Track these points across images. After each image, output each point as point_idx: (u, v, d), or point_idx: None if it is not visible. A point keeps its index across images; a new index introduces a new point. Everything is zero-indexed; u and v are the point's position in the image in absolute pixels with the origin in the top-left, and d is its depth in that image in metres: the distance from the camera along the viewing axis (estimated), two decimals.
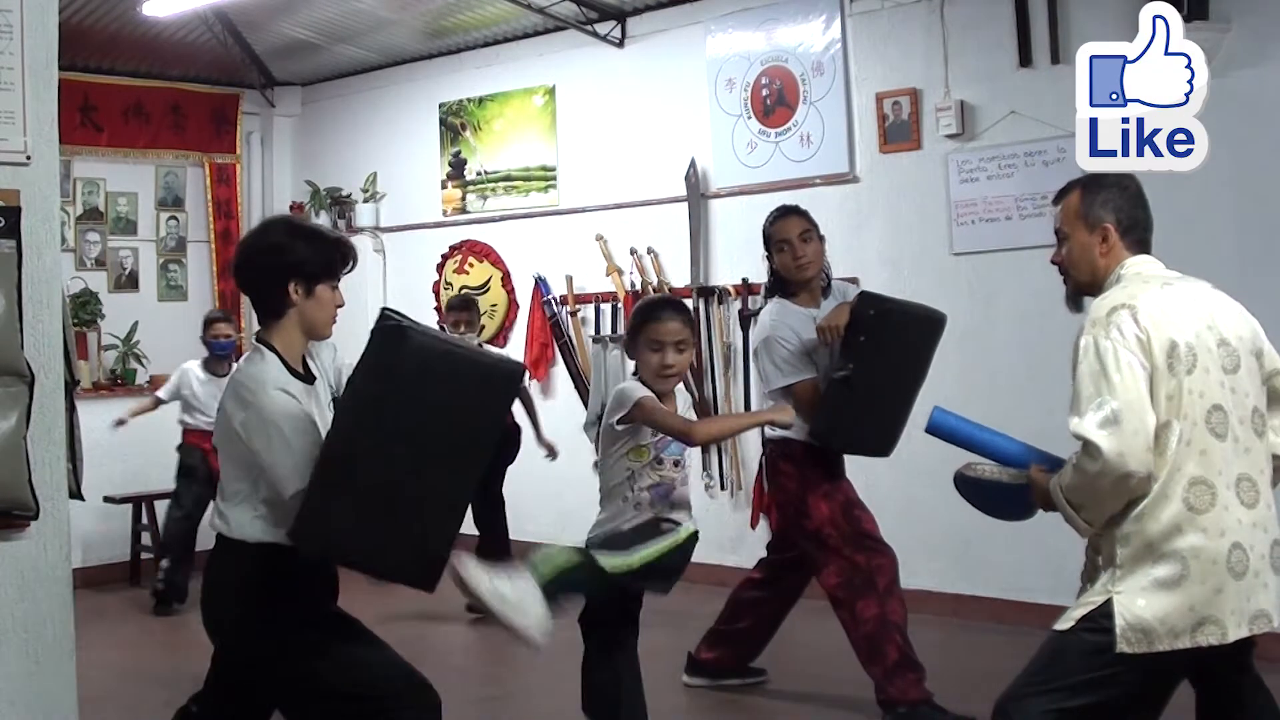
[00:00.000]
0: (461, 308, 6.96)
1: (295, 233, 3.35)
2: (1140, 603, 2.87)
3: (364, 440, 2.97)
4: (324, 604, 3.30)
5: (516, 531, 8.06)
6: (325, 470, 3.02)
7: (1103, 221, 3.11)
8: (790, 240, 4.86)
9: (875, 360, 4.60)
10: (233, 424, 3.19)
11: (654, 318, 3.93)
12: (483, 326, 7.85)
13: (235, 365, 7.18)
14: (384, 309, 3.16)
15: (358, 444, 2.98)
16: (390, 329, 3.03)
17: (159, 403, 7.42)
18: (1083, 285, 3.18)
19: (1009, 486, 3.19)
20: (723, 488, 7.44)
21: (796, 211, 4.97)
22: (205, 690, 3.51)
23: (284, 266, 3.25)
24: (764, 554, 5.38)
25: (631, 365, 4.09)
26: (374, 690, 3.18)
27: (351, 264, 3.39)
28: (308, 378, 3.31)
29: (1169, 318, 2.95)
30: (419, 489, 3.00)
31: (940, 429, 3.38)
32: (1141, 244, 3.13)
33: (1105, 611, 2.90)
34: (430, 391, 2.98)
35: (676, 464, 3.91)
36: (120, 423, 7.29)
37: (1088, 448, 2.85)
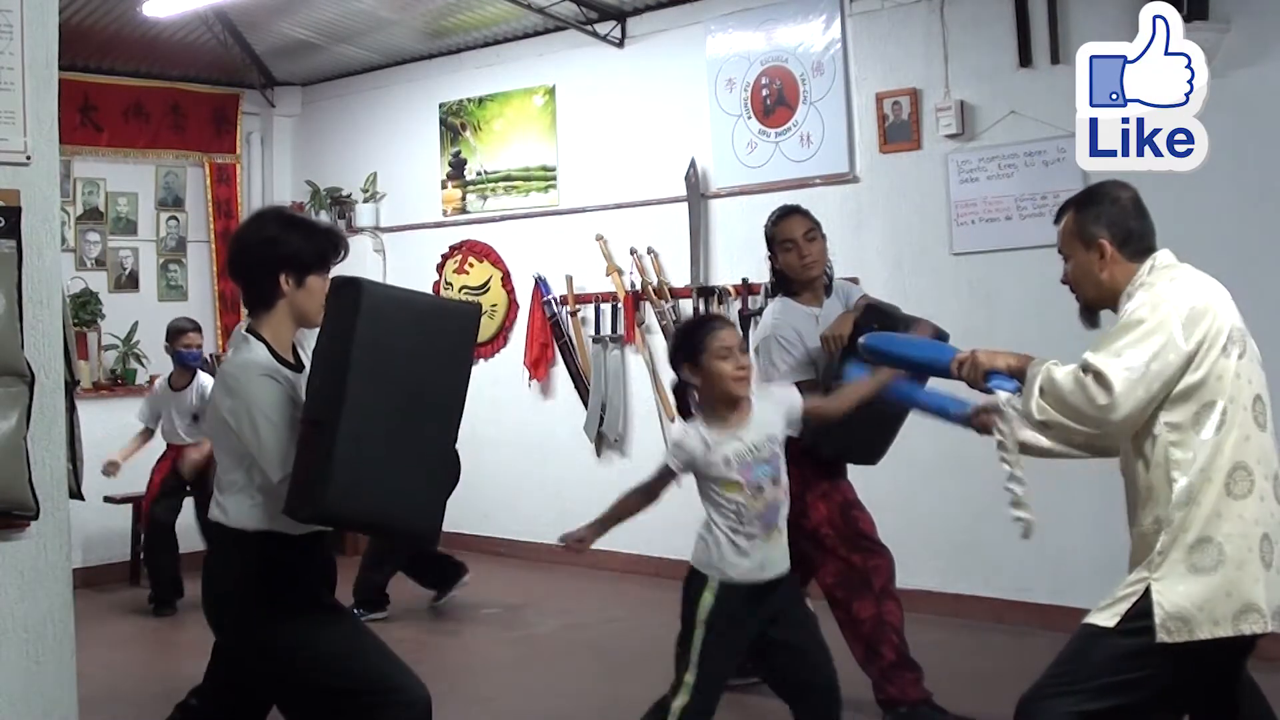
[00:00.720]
0: None
1: (288, 224, 3.37)
2: (1180, 589, 2.86)
3: (337, 398, 2.95)
4: (320, 593, 3.31)
5: (516, 532, 8.09)
6: (306, 435, 3.02)
7: (1098, 238, 3.12)
8: (795, 240, 4.87)
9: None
10: (221, 413, 3.21)
11: (712, 328, 3.81)
12: None
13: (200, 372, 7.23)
14: (334, 278, 3.19)
15: (332, 403, 2.95)
16: (344, 283, 3.06)
17: (150, 433, 7.36)
18: (1092, 301, 3.19)
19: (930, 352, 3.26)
20: None
21: (799, 211, 4.98)
22: (205, 683, 3.52)
23: (276, 258, 3.27)
24: None
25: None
26: (366, 684, 3.18)
27: (343, 254, 3.41)
28: (297, 366, 3.33)
29: (1222, 301, 2.98)
30: (401, 440, 2.99)
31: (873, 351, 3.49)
32: (1143, 252, 3.13)
33: (1144, 608, 2.87)
34: (393, 339, 2.99)
35: (775, 481, 3.82)
36: (114, 465, 7.12)
37: (1100, 378, 2.84)
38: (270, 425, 3.12)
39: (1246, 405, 2.92)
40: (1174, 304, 2.93)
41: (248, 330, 3.34)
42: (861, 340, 3.44)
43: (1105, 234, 3.11)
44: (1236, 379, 2.91)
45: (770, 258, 5.00)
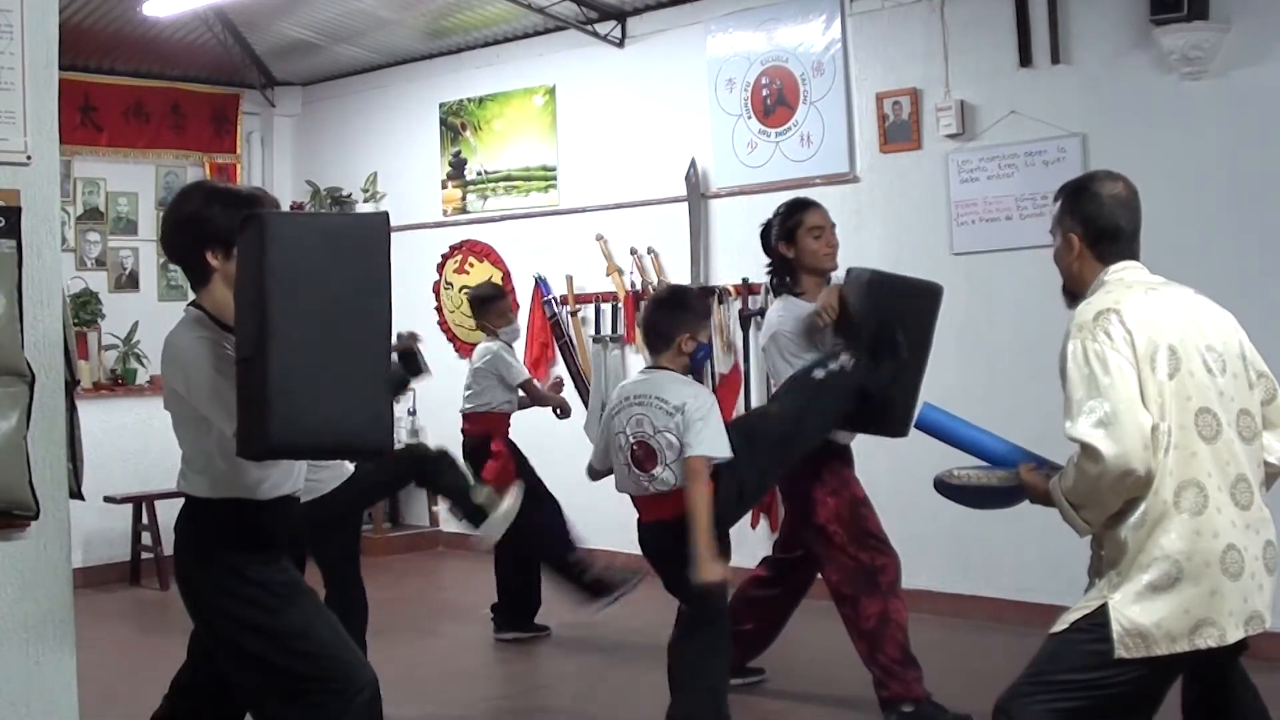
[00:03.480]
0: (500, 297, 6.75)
1: (209, 198, 3.36)
2: (1135, 609, 2.88)
3: (262, 332, 2.95)
4: (284, 564, 3.33)
5: None
6: (241, 376, 3.04)
7: (1070, 231, 3.15)
8: (824, 228, 4.88)
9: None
10: (171, 385, 3.28)
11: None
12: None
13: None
14: (240, 217, 3.17)
15: (258, 338, 2.96)
16: (246, 220, 3.06)
17: None
18: (1067, 286, 3.24)
19: (998, 489, 3.24)
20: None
21: (820, 205, 5.01)
22: (192, 670, 3.55)
23: (200, 236, 3.29)
24: (766, 553, 5.39)
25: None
26: (315, 667, 3.21)
27: None
28: None
29: (1154, 322, 2.97)
30: (334, 359, 2.99)
31: (928, 425, 3.45)
32: (1119, 252, 3.13)
33: (1101, 618, 2.91)
34: (306, 263, 2.98)
35: None
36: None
37: (1087, 450, 2.87)
38: (211, 381, 3.16)
39: (1186, 423, 2.92)
40: (1108, 338, 2.92)
41: (189, 304, 3.38)
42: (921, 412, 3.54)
43: (1079, 230, 3.14)
44: (1174, 398, 2.91)
45: (783, 247, 4.91)
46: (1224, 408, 2.97)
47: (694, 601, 4.30)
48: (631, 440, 4.30)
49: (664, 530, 4.28)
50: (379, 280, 3.09)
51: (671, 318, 4.42)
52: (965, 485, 3.32)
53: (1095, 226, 3.13)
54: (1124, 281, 3.08)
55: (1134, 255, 3.16)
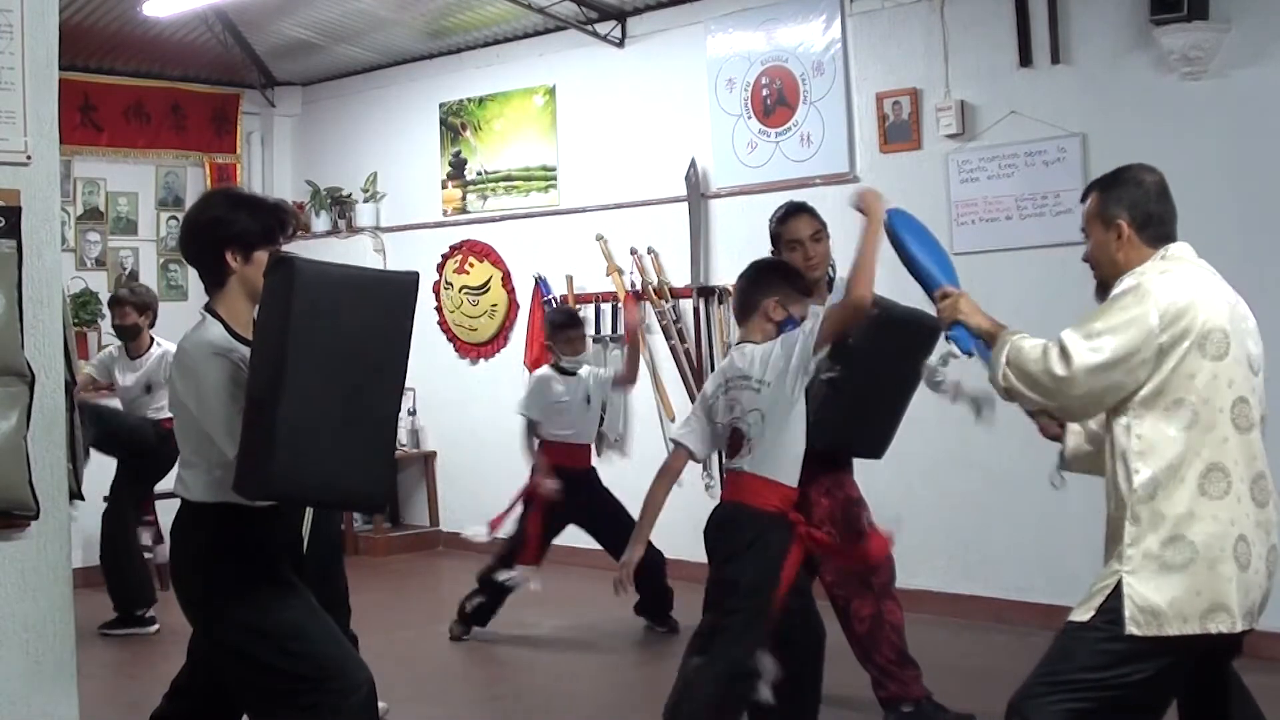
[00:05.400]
0: (570, 325, 6.54)
1: (234, 203, 3.41)
2: (1150, 586, 2.89)
3: (277, 379, 2.97)
4: (279, 568, 3.33)
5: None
6: (249, 414, 3.06)
7: (1117, 219, 3.16)
8: (802, 241, 4.85)
9: (864, 363, 4.57)
10: (177, 392, 3.28)
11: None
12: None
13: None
14: (270, 256, 3.23)
15: (272, 383, 2.98)
16: (278, 263, 3.10)
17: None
18: (1107, 278, 3.22)
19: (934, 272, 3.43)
20: (722, 487, 7.43)
21: (806, 210, 4.96)
22: (189, 673, 3.55)
23: (222, 236, 3.31)
24: None
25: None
26: (308, 667, 3.21)
27: (291, 229, 3.47)
28: None
29: (1212, 302, 3.00)
30: (344, 413, 3.01)
31: (893, 230, 3.64)
32: (1162, 238, 3.16)
33: (1113, 614, 2.90)
34: (331, 315, 3.01)
35: None
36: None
37: (1064, 352, 2.94)
38: (222, 403, 3.16)
39: (1224, 407, 2.93)
40: (1156, 298, 2.95)
41: (204, 308, 3.38)
42: (891, 213, 3.65)
43: (1125, 215, 3.15)
44: (1213, 380, 2.93)
45: (773, 254, 4.99)
46: (1257, 403, 3.00)
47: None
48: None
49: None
50: (400, 341, 3.14)
51: (759, 283, 4.16)
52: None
53: (1142, 210, 3.16)
54: (1183, 260, 3.12)
55: (1175, 241, 3.18)
